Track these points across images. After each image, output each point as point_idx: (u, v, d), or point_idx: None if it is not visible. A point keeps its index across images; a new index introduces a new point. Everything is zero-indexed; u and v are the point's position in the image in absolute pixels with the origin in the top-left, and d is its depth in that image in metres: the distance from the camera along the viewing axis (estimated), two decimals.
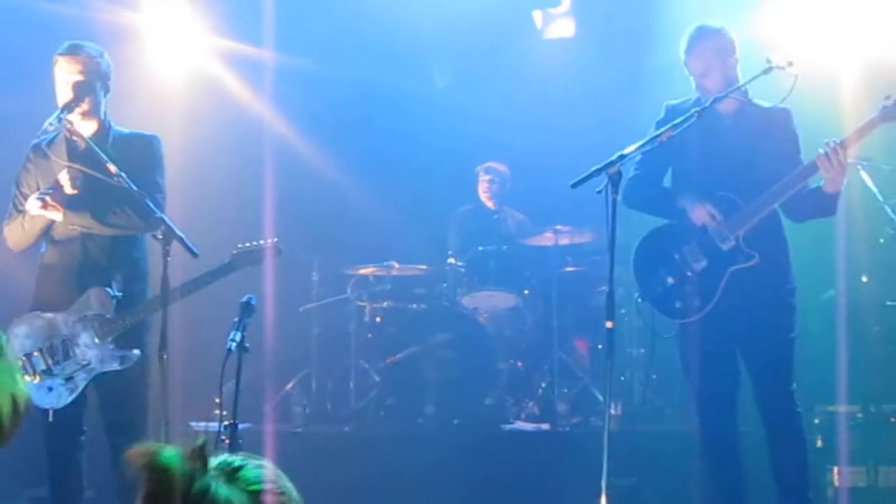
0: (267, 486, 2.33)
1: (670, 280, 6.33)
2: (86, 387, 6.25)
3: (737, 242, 6.14)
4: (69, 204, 6.24)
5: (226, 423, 6.06)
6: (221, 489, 2.27)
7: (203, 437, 2.34)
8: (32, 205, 6.25)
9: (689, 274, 6.26)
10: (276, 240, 6.45)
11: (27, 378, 6.19)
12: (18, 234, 6.40)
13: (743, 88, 6.16)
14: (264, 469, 2.36)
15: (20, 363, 6.21)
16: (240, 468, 2.33)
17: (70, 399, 6.22)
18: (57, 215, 6.23)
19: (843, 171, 5.99)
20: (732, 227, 6.14)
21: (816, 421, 7.96)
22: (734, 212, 6.15)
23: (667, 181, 6.52)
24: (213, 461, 2.32)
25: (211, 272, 6.31)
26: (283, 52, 9.51)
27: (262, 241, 6.42)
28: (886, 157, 7.25)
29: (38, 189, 6.30)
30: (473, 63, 10.24)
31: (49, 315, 6.28)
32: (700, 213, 6.19)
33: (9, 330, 6.27)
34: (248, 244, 6.40)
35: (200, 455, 2.28)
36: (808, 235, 6.71)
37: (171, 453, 2.27)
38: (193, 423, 8.25)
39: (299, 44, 9.67)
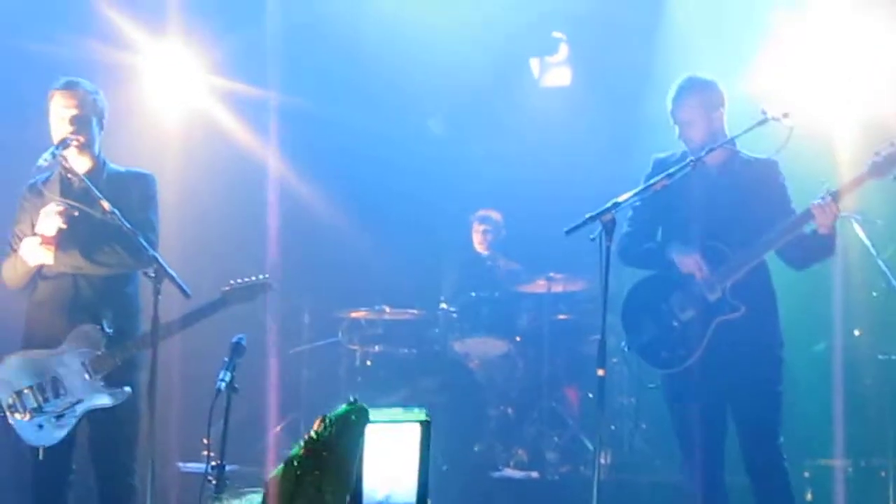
0: None
1: (656, 330, 6.36)
2: (77, 425, 6.25)
3: (723, 293, 6.16)
4: (60, 244, 6.26)
5: (213, 463, 6.06)
6: None
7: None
8: (25, 251, 6.29)
9: (676, 324, 6.28)
10: (267, 276, 6.49)
11: (17, 416, 6.20)
12: (12, 273, 6.43)
13: (732, 141, 6.21)
14: None
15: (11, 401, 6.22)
16: None
17: (61, 437, 6.21)
18: (48, 257, 6.25)
19: (834, 221, 6.04)
20: (721, 278, 6.17)
21: (806, 474, 7.97)
22: (723, 262, 6.18)
23: (660, 235, 6.55)
24: None
25: (201, 308, 6.34)
26: (281, 93, 9.57)
27: (253, 278, 6.45)
28: (880, 212, 7.28)
29: (33, 227, 6.33)
30: (469, 110, 10.30)
31: (40, 352, 6.28)
32: (688, 264, 6.22)
33: (1, 365, 6.29)
34: (239, 280, 6.43)
35: None
36: (799, 288, 6.76)
37: None
38: (181, 464, 8.24)
39: (297, 86, 9.73)
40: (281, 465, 1.28)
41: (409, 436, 1.33)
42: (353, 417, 1.26)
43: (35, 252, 6.27)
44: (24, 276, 6.38)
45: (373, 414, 1.30)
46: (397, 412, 1.29)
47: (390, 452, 1.31)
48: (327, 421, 1.26)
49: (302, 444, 1.28)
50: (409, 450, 1.31)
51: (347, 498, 1.30)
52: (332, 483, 1.28)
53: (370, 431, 1.28)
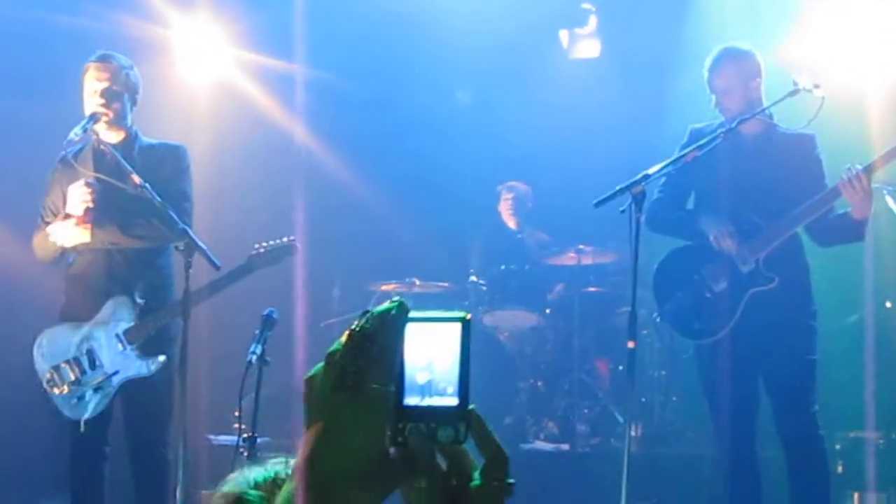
0: None
1: (689, 300, 6.35)
2: (114, 396, 6.29)
3: (757, 265, 6.16)
4: (96, 221, 6.29)
5: (245, 436, 6.10)
6: None
7: (283, 474, 2.38)
8: (60, 234, 6.31)
9: (709, 295, 6.28)
10: (292, 238, 6.48)
11: (56, 390, 6.25)
12: (42, 248, 6.46)
13: (768, 112, 6.19)
14: None
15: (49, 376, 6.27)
16: None
17: (99, 409, 6.25)
18: (86, 235, 6.28)
19: (868, 197, 5.99)
20: (753, 250, 6.16)
21: (838, 447, 7.96)
22: (756, 234, 6.17)
23: (690, 204, 6.55)
24: (263, 475, 2.36)
25: (229, 274, 6.33)
26: (308, 66, 9.58)
27: (278, 241, 6.44)
28: None
29: (64, 200, 6.35)
30: (498, 81, 10.28)
31: (76, 325, 6.33)
32: (720, 235, 6.20)
33: (39, 341, 6.34)
34: (264, 244, 6.42)
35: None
36: (832, 259, 6.75)
37: (254, 495, 2.32)
38: (213, 437, 8.29)
39: (325, 58, 9.74)
40: (319, 365, 1.29)
41: (449, 335, 1.33)
42: (393, 312, 1.27)
43: (71, 233, 6.29)
44: (55, 253, 6.40)
45: (413, 313, 1.30)
46: (438, 312, 1.30)
47: (431, 350, 1.31)
48: (369, 315, 1.27)
49: (343, 338, 1.28)
50: (450, 349, 1.31)
51: (392, 388, 1.31)
52: (375, 374, 1.28)
53: (410, 329, 1.29)
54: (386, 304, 1.35)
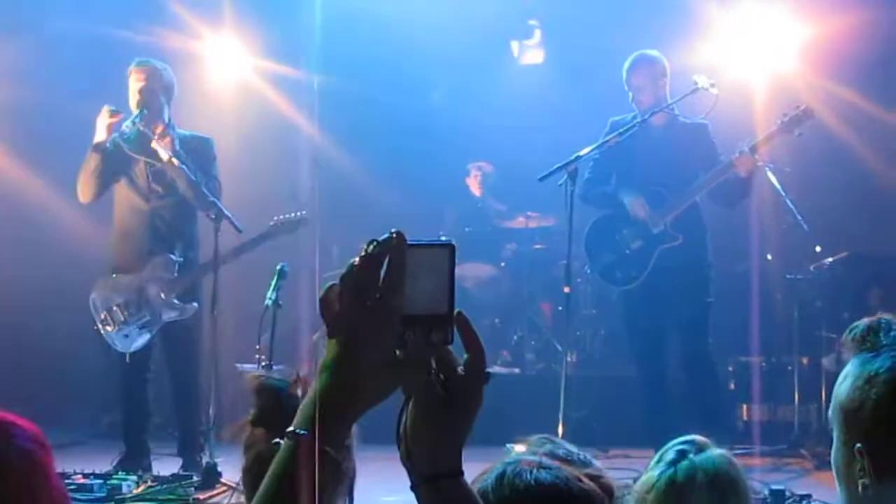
0: None
1: (612, 256, 6.38)
2: (154, 334, 6.29)
3: (665, 227, 6.19)
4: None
5: (263, 364, 6.11)
6: None
7: (298, 370, 2.37)
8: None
9: (627, 251, 6.32)
10: (304, 212, 6.47)
11: (108, 328, 6.25)
12: (80, 183, 6.36)
13: (672, 106, 6.22)
14: None
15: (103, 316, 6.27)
16: None
17: (143, 344, 6.28)
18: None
19: (753, 169, 6.06)
20: (662, 215, 6.19)
21: (730, 368, 8.00)
22: (663, 202, 6.20)
23: (613, 181, 6.56)
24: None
25: (253, 239, 6.36)
26: (310, 70, 9.50)
27: (293, 214, 6.44)
28: (788, 161, 7.26)
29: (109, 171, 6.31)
30: (464, 82, 10.23)
31: (126, 276, 6.33)
32: (635, 204, 6.24)
33: (94, 288, 6.34)
34: (282, 216, 6.42)
35: (302, 381, 2.31)
36: (725, 222, 6.80)
37: (278, 378, 2.32)
38: (238, 365, 8.28)
39: (330, 65, 9.66)
40: (332, 282, 1.29)
41: (439, 257, 1.33)
42: (395, 239, 1.27)
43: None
44: (92, 174, 6.31)
45: (409, 241, 1.31)
46: (430, 240, 1.31)
47: (425, 269, 1.31)
48: (375, 243, 1.27)
49: (356, 262, 1.28)
50: (440, 268, 1.32)
51: (402, 302, 1.31)
52: (384, 290, 1.29)
53: (408, 253, 1.29)
54: (387, 234, 1.34)
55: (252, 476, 2.36)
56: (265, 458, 2.28)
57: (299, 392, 2.33)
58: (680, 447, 2.22)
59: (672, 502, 2.14)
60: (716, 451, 2.21)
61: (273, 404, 2.32)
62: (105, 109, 6.24)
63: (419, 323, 1.35)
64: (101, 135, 6.25)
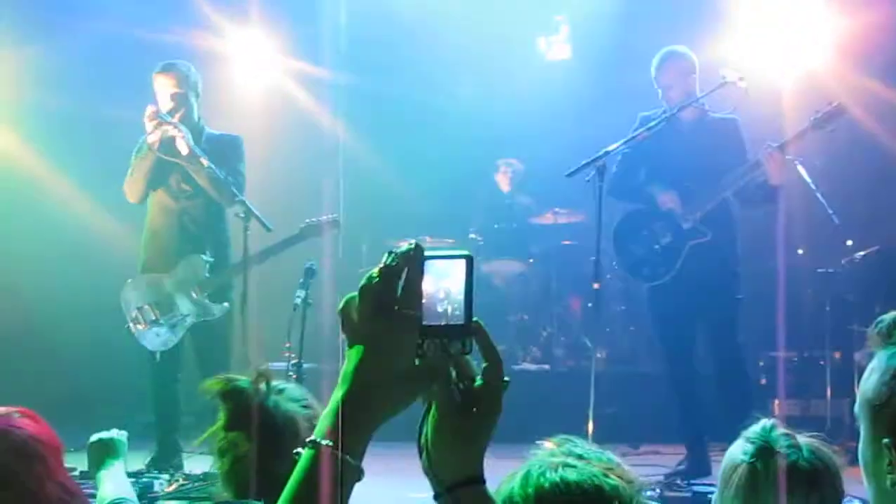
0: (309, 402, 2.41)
1: (641, 251, 6.36)
2: (185, 334, 6.33)
3: (694, 223, 6.16)
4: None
5: (293, 362, 6.15)
6: (283, 403, 2.33)
7: (264, 367, 2.41)
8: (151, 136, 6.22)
9: (657, 247, 6.28)
10: (336, 215, 6.49)
11: (139, 327, 6.29)
12: (131, 183, 6.39)
13: (701, 101, 6.18)
14: (304, 391, 2.44)
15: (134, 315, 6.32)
16: (283, 389, 2.41)
17: (173, 343, 6.31)
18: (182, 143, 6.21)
19: (783, 168, 6.00)
20: (692, 211, 6.16)
21: (761, 363, 7.98)
22: (692, 198, 6.17)
23: (642, 175, 6.53)
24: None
25: (284, 241, 6.36)
26: (343, 71, 9.54)
27: (324, 217, 6.46)
28: (819, 154, 7.22)
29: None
30: (491, 79, 10.23)
31: (156, 276, 6.37)
32: (665, 199, 6.21)
33: (125, 288, 6.38)
34: (314, 219, 6.44)
35: (265, 379, 2.34)
36: (757, 218, 6.78)
37: (242, 380, 2.35)
38: (269, 364, 8.31)
39: (356, 64, 9.70)
40: (347, 296, 1.31)
41: (457, 268, 1.35)
42: (413, 251, 1.30)
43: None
44: (143, 176, 6.34)
45: (427, 252, 1.33)
46: (447, 251, 1.33)
47: (442, 280, 1.33)
48: (394, 255, 1.29)
49: (374, 273, 1.30)
50: (457, 279, 1.33)
51: (421, 311, 1.33)
52: (403, 301, 1.31)
53: (427, 264, 1.31)
54: (405, 246, 1.37)
55: (234, 479, 2.38)
56: (246, 460, 2.30)
57: (262, 389, 2.35)
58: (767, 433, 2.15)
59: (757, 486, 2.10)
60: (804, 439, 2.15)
61: (242, 406, 2.34)
62: (151, 109, 6.23)
63: (437, 333, 1.36)
64: (154, 136, 6.20)
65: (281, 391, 2.42)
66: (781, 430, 2.14)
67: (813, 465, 2.07)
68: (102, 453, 2.93)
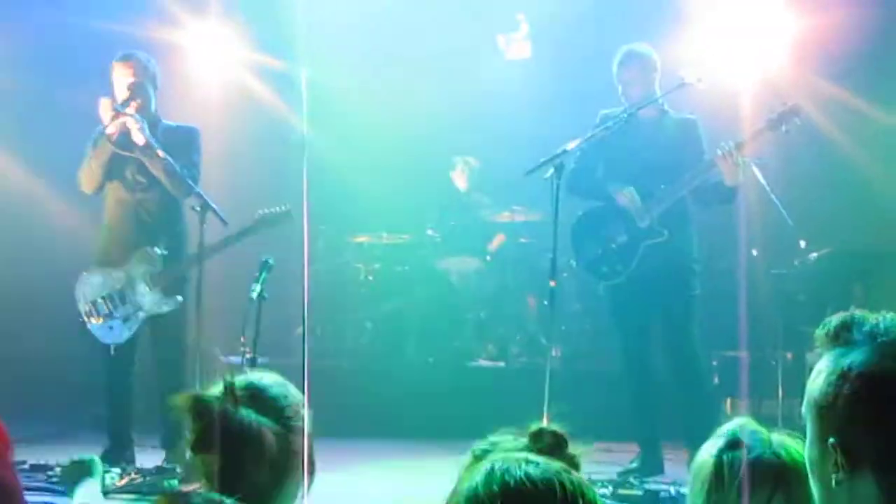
0: (287, 403, 2.36)
1: (598, 250, 6.40)
2: (139, 327, 6.30)
3: (651, 221, 6.20)
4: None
5: (248, 356, 6.11)
6: (251, 415, 2.29)
7: (231, 377, 2.35)
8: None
9: (614, 246, 6.33)
10: (288, 206, 6.46)
11: (92, 320, 6.25)
12: (87, 173, 6.35)
13: (661, 101, 6.23)
14: (285, 387, 2.40)
15: (87, 308, 6.27)
16: (264, 389, 2.36)
17: (127, 336, 6.28)
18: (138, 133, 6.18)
19: (738, 168, 6.04)
20: (648, 209, 6.20)
21: (715, 363, 8.05)
22: (650, 197, 6.21)
23: (600, 173, 6.57)
24: (241, 383, 2.33)
25: (239, 232, 6.34)
26: (303, 65, 9.49)
27: (277, 208, 6.43)
28: (774, 155, 7.29)
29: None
30: (450, 76, 10.23)
31: (110, 269, 6.32)
32: (622, 197, 6.25)
33: (79, 281, 6.33)
34: (267, 210, 6.40)
35: (232, 394, 2.30)
36: (712, 218, 6.83)
37: (209, 396, 2.31)
38: (223, 357, 8.27)
39: (316, 58, 9.65)
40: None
41: None
42: None
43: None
44: (99, 168, 6.31)
45: None
46: None
47: None
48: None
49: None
50: None
51: None
52: None
53: None
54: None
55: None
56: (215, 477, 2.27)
57: (233, 405, 2.30)
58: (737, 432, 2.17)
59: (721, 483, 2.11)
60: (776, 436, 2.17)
61: (211, 426, 2.31)
62: (107, 101, 6.20)
63: None
64: (112, 127, 6.20)
65: (259, 391, 2.36)
66: (754, 426, 2.16)
67: (780, 459, 2.09)
68: (78, 473, 3.09)
